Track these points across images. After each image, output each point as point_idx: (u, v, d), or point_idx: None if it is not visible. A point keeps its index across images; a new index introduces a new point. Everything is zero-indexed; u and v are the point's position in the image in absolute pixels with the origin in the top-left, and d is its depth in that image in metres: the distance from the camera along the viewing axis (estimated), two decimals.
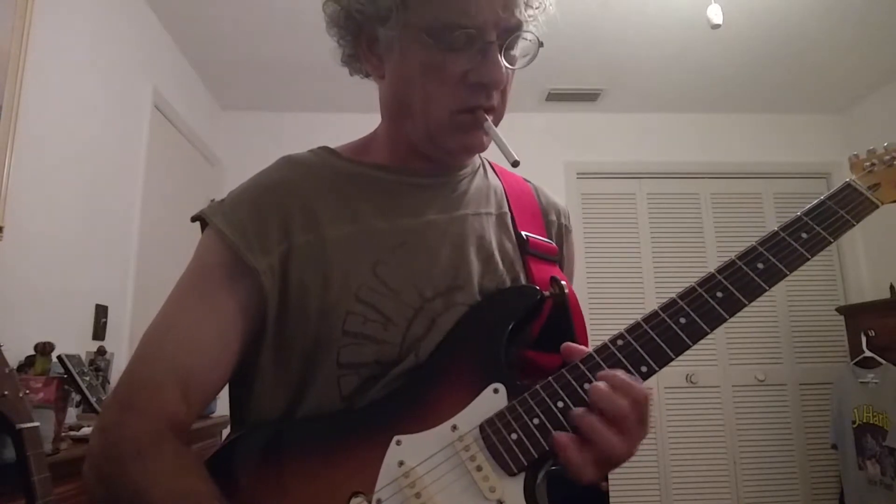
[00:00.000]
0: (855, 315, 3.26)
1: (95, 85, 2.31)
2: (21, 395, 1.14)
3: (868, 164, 0.71)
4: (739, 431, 3.53)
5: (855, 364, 3.10)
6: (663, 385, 3.55)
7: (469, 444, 0.58)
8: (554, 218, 0.82)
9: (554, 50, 3.35)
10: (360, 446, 0.60)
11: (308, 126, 3.51)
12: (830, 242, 0.64)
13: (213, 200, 0.74)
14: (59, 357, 1.74)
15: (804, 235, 0.64)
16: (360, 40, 0.72)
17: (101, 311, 2.32)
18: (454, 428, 0.59)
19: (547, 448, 0.57)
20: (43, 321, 1.94)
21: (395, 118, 0.74)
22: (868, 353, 3.02)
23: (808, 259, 0.64)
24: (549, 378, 0.60)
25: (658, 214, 3.80)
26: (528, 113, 3.81)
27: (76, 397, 1.83)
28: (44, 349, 1.68)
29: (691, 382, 3.55)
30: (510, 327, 0.65)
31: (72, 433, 1.66)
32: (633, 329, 0.61)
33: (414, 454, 0.58)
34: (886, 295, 3.23)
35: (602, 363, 0.60)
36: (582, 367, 0.60)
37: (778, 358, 3.63)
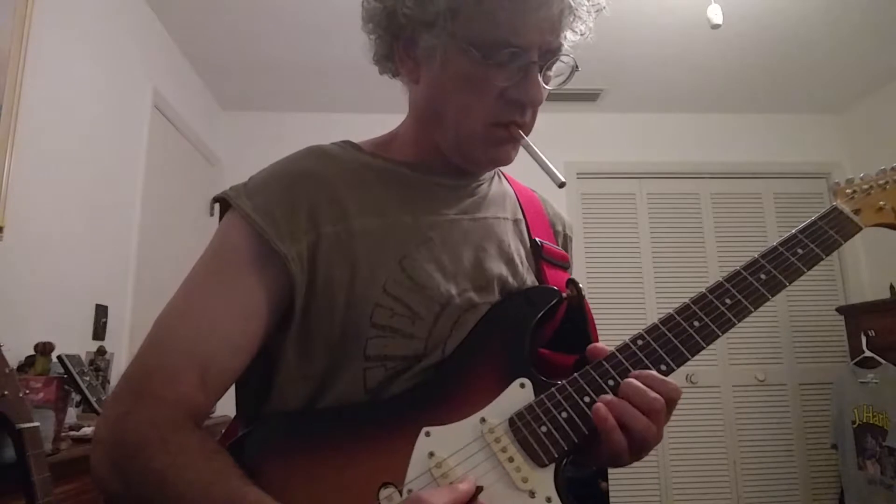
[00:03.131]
0: (855, 315, 3.26)
1: (95, 85, 2.31)
2: (21, 395, 1.14)
3: (850, 191, 0.79)
4: (739, 431, 3.53)
5: (855, 364, 3.10)
6: None
7: (500, 435, 0.60)
8: (560, 228, 0.86)
9: None
10: (387, 437, 0.60)
11: (308, 126, 3.51)
12: (822, 258, 0.71)
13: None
14: (59, 357, 1.74)
15: (800, 251, 0.70)
16: (398, 41, 0.72)
17: (101, 311, 2.32)
18: (483, 420, 0.61)
19: (576, 441, 0.59)
20: (43, 321, 1.94)
21: (424, 123, 0.74)
22: (868, 353, 3.02)
23: (805, 272, 0.69)
24: (575, 374, 0.63)
25: (658, 214, 3.80)
26: None
27: (76, 397, 1.83)
28: (44, 349, 1.68)
29: (691, 382, 3.55)
30: (532, 325, 0.67)
31: (72, 433, 1.66)
32: (652, 330, 0.65)
33: (444, 445, 0.59)
34: (886, 295, 3.23)
35: (624, 361, 0.63)
36: (606, 364, 0.63)
37: (778, 358, 3.63)
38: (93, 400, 1.79)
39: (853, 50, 3.17)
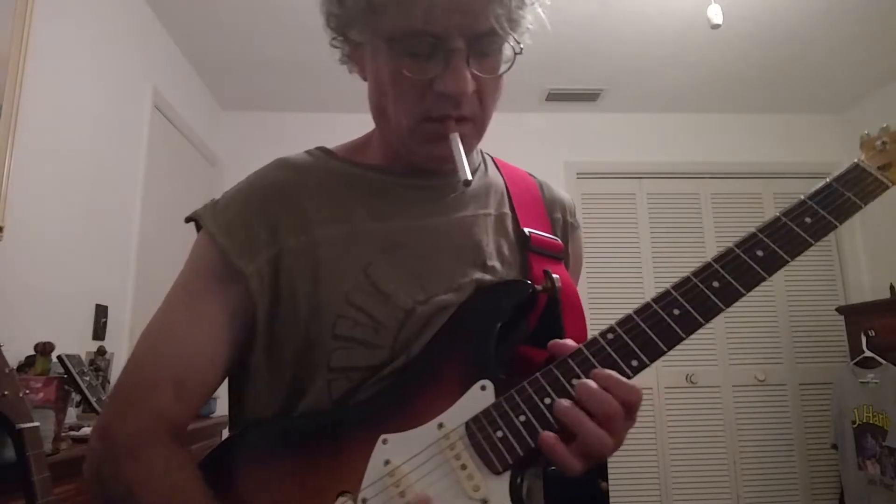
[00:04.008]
0: (855, 315, 3.26)
1: (95, 85, 2.31)
2: (21, 395, 1.14)
3: (879, 142, 0.67)
4: (739, 431, 3.53)
5: (855, 364, 3.10)
6: (663, 385, 3.55)
7: (454, 442, 0.57)
8: (559, 215, 0.80)
9: (554, 50, 3.37)
10: (348, 445, 0.59)
11: (308, 126, 3.51)
12: (836, 227, 0.61)
13: (186, 220, 0.74)
14: (59, 357, 1.74)
15: (808, 220, 0.61)
16: (346, 43, 0.70)
17: (101, 311, 2.32)
18: (440, 426, 0.58)
19: (533, 446, 0.55)
20: (43, 321, 1.94)
21: (378, 121, 0.73)
22: (868, 353, 3.02)
23: (812, 244, 0.60)
24: (537, 374, 0.58)
25: (658, 214, 3.80)
26: (528, 113, 3.81)
27: (76, 397, 1.83)
28: (44, 349, 1.68)
29: (691, 382, 3.55)
30: (500, 322, 0.63)
31: (72, 433, 1.66)
32: (625, 322, 0.59)
33: (400, 453, 0.57)
34: (886, 295, 3.23)
35: (591, 357, 0.57)
36: (570, 361, 0.58)
37: (778, 358, 3.63)
38: (93, 400, 1.79)
39: (853, 50, 3.17)
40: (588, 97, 3.70)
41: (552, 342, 0.60)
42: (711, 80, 3.49)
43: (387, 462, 0.57)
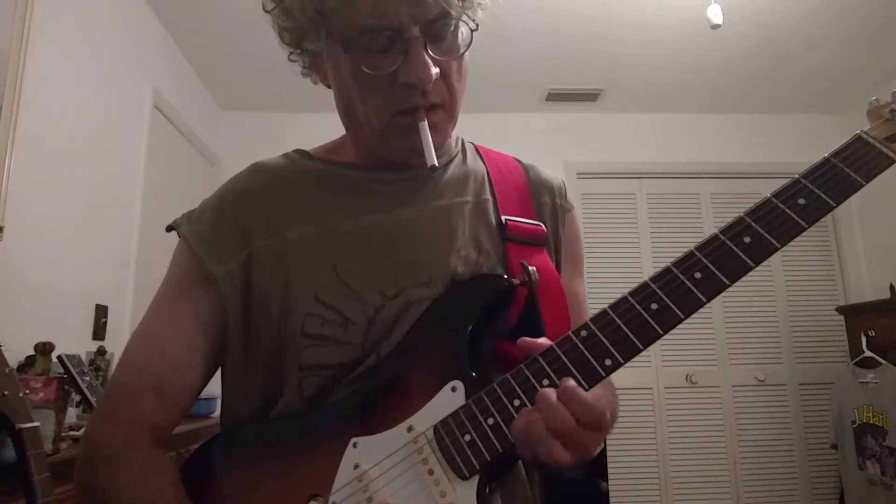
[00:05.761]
0: (855, 315, 3.26)
1: (95, 85, 2.31)
2: (21, 395, 1.14)
3: (888, 111, 0.59)
4: (739, 431, 3.53)
5: (855, 364, 3.10)
6: (663, 385, 3.54)
7: (422, 445, 0.56)
8: (547, 199, 0.76)
9: (554, 50, 3.37)
10: (320, 448, 0.59)
11: (308, 126, 3.49)
12: (833, 207, 0.55)
13: (167, 229, 0.76)
14: (59, 357, 1.74)
15: (801, 202, 0.55)
16: (304, 55, 0.71)
17: (101, 311, 2.32)
18: (410, 429, 0.57)
19: (501, 450, 0.53)
20: (43, 321, 1.93)
21: (348, 124, 0.73)
22: (868, 353, 3.02)
23: (806, 228, 0.54)
24: (507, 374, 0.56)
25: (658, 214, 3.79)
26: (528, 113, 3.81)
27: (76, 397, 1.83)
28: (44, 349, 1.68)
29: (691, 382, 3.55)
30: (474, 320, 0.62)
31: (72, 433, 1.66)
32: (599, 318, 0.56)
33: (369, 456, 0.57)
34: (886, 295, 3.23)
35: (563, 356, 0.55)
36: (541, 360, 0.55)
37: (778, 358, 3.63)
38: (93, 400, 1.79)
39: (853, 50, 3.16)
40: (588, 97, 3.70)
41: (521, 340, 0.58)
42: (711, 80, 3.48)
43: (356, 466, 0.57)
